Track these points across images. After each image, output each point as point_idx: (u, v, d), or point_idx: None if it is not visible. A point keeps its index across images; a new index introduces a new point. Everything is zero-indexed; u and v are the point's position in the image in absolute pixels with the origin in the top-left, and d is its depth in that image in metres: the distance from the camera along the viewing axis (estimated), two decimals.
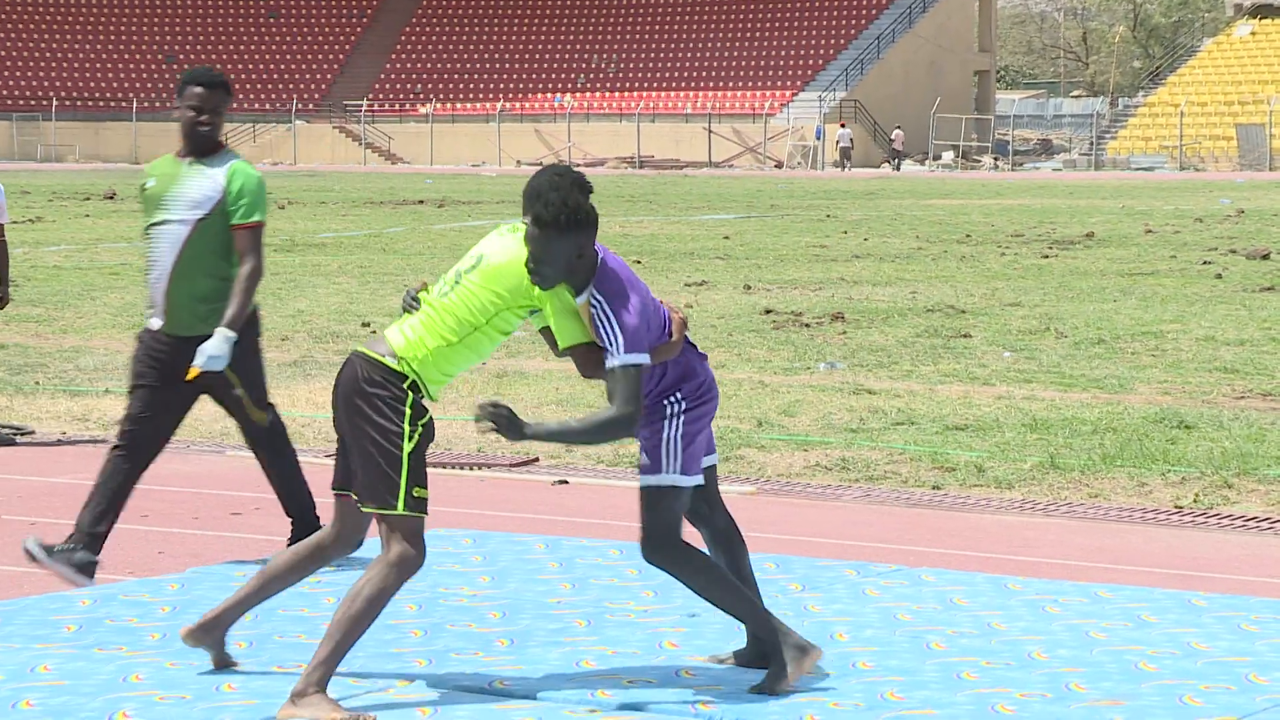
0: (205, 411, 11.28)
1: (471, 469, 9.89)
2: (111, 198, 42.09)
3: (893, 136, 69.91)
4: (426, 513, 5.40)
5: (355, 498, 5.45)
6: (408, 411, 5.35)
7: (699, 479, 5.68)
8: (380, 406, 5.34)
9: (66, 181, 52.38)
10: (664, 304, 5.74)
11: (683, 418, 5.66)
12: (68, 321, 16.99)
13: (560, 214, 5.50)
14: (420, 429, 5.36)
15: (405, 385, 5.38)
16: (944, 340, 15.48)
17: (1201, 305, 18.44)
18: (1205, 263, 23.85)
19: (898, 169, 67.68)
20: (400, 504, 5.33)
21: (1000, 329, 16.34)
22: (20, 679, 5.71)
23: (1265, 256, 24.52)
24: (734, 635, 6.31)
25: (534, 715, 5.38)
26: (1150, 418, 11.29)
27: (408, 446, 5.33)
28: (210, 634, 5.72)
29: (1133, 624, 6.51)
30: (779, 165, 69.86)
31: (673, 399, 5.68)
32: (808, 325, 16.60)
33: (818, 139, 70.20)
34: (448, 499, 9.05)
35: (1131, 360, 14.27)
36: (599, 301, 5.47)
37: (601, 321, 5.46)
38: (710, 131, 71.84)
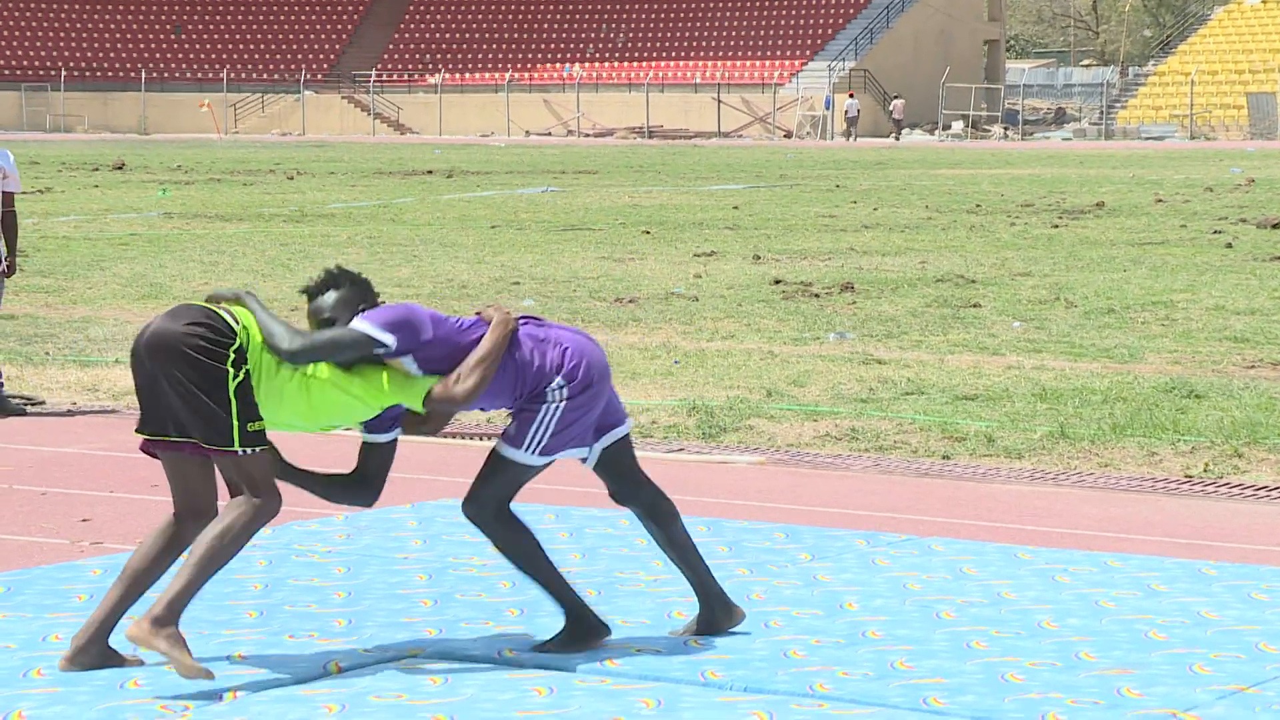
0: None
1: (481, 439, 9.89)
2: (120, 168, 42.09)
3: (892, 106, 69.73)
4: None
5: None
6: (231, 354, 5.29)
7: (552, 459, 5.68)
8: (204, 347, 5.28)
9: (75, 152, 52.38)
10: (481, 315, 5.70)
11: (564, 405, 5.65)
12: (77, 292, 17.00)
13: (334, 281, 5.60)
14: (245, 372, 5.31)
15: (235, 331, 5.33)
16: (954, 310, 15.46)
17: (1212, 274, 18.40)
18: (1216, 232, 23.80)
19: (898, 139, 67.50)
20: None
21: (1010, 299, 16.32)
22: (32, 648, 5.73)
23: (1276, 225, 24.46)
24: (741, 603, 6.32)
25: (545, 684, 5.39)
26: (1160, 387, 11.28)
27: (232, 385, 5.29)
28: (88, 653, 5.43)
29: (1142, 593, 6.51)
30: (788, 135, 69.74)
31: (555, 385, 5.65)
32: (817, 295, 16.58)
33: (827, 109, 70.06)
34: (458, 470, 9.06)
35: (1141, 330, 14.25)
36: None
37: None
38: (719, 101, 71.71)
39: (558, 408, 5.64)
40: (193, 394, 5.27)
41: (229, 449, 5.29)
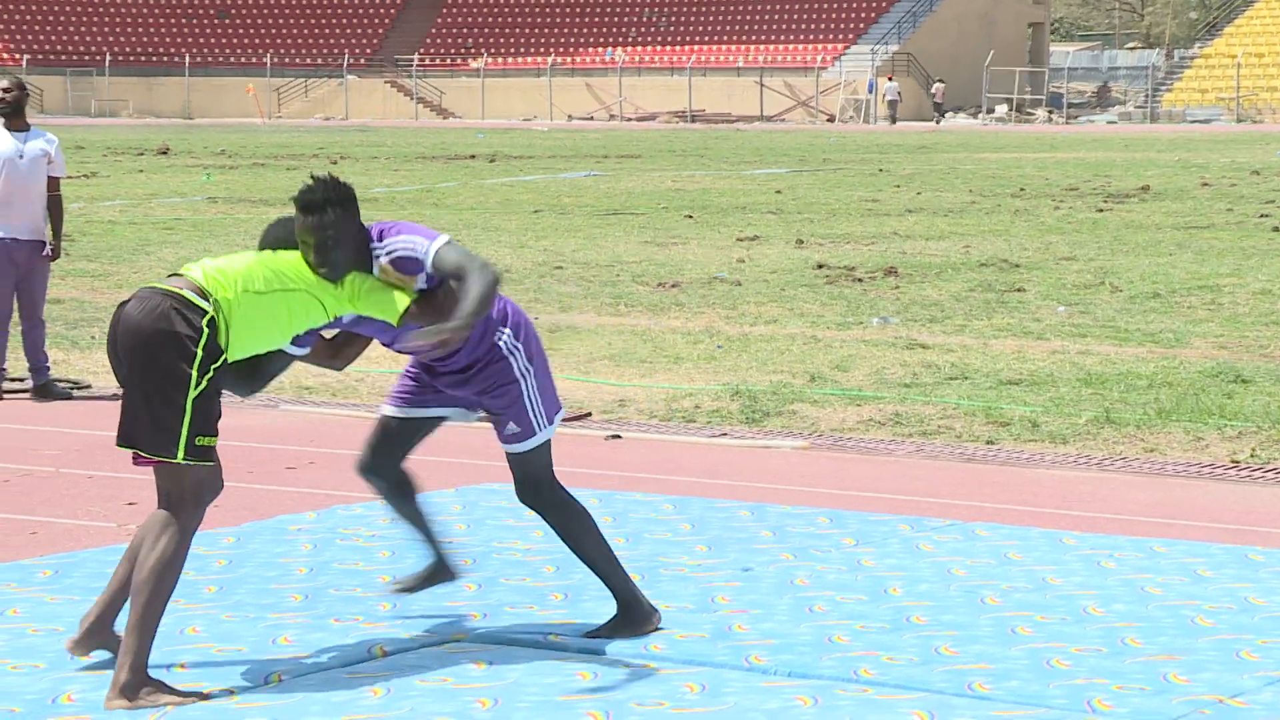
0: None
1: None
2: (165, 153, 42.24)
3: (933, 90, 69.47)
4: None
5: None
6: (199, 354, 5.07)
7: (562, 413, 5.71)
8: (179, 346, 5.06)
9: (120, 137, 52.60)
10: None
11: (532, 370, 5.60)
12: (123, 276, 17.07)
13: (330, 191, 5.29)
14: (211, 374, 5.09)
15: (204, 321, 5.09)
16: (998, 295, 15.41)
17: (1258, 258, 18.29)
18: (1262, 215, 23.65)
19: (938, 123, 67.26)
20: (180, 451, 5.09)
21: (1055, 283, 16.25)
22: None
23: None
24: (786, 589, 6.31)
25: (588, 669, 5.40)
26: (1206, 372, 11.21)
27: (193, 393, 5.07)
28: (98, 637, 5.37)
29: (1189, 579, 6.48)
30: (831, 119, 69.57)
31: (513, 350, 5.54)
32: (860, 280, 16.55)
33: (870, 92, 69.86)
34: (500, 454, 9.06)
35: (1187, 314, 14.17)
36: (397, 241, 5.36)
37: (408, 247, 5.35)
38: (762, 85, 71.57)
39: (530, 378, 5.60)
40: (148, 396, 5.09)
41: (169, 459, 5.10)
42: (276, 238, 5.38)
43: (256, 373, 5.39)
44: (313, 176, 5.30)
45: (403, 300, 5.32)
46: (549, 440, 5.66)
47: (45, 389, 10.75)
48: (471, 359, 5.55)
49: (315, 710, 5.02)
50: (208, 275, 5.18)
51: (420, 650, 5.60)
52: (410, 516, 5.80)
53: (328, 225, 5.23)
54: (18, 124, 10.68)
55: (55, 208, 10.84)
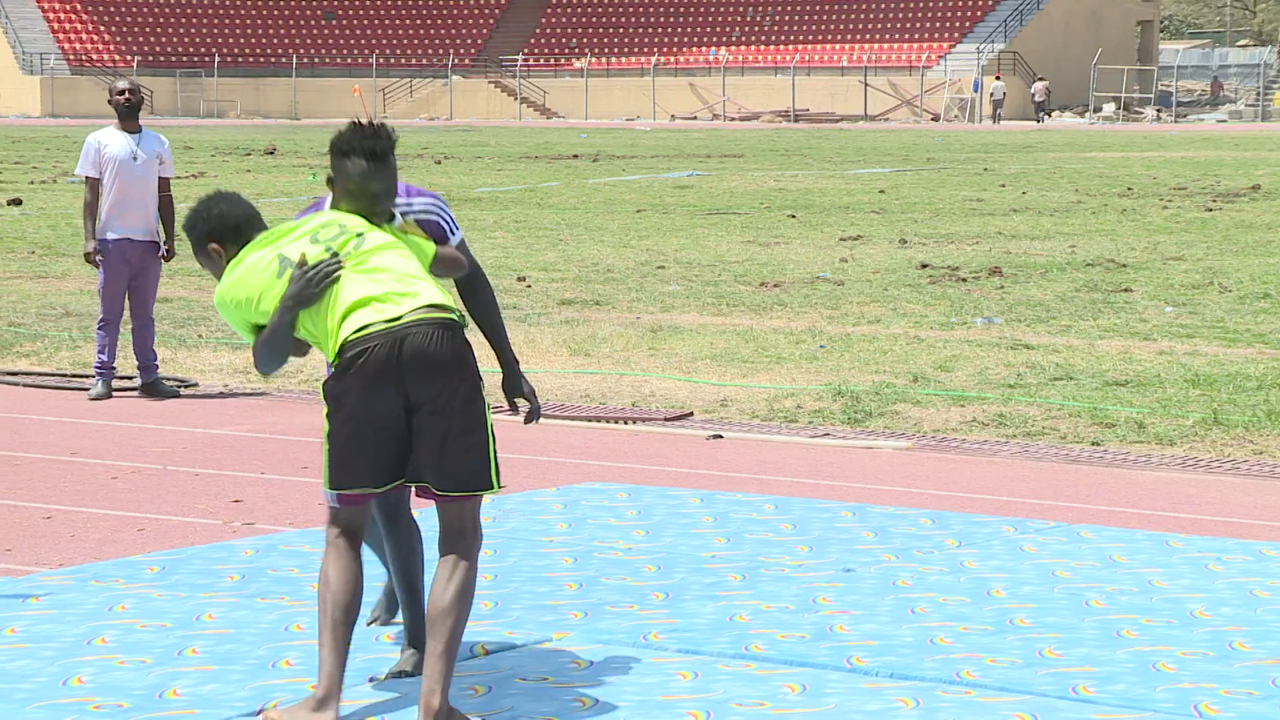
0: None
1: (626, 423, 9.92)
2: (272, 153, 42.64)
3: (1033, 89, 68.92)
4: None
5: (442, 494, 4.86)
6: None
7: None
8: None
9: (228, 137, 53.17)
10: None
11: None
12: None
13: (390, 137, 5.10)
14: None
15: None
16: (1104, 295, 15.26)
17: None
18: None
19: (1039, 121, 66.71)
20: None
21: (1162, 283, 16.08)
22: (187, 627, 5.82)
23: None
24: (887, 590, 6.28)
25: (689, 669, 5.39)
26: None
27: None
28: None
29: None
30: (935, 118, 69.19)
31: None
32: (964, 280, 16.44)
33: (975, 91, 69.40)
34: (603, 453, 9.09)
35: None
36: (426, 202, 5.38)
37: (436, 211, 5.39)
38: (866, 85, 71.29)
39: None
40: (468, 431, 4.86)
41: (491, 490, 4.93)
42: (243, 217, 5.20)
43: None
44: (355, 124, 5.14)
45: (429, 248, 5.25)
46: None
47: (153, 387, 10.88)
48: None
49: (417, 708, 5.04)
50: (440, 288, 4.97)
51: (521, 649, 5.61)
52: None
53: (394, 170, 5.16)
54: (131, 126, 10.82)
55: (167, 208, 10.97)
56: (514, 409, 5.65)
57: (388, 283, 4.88)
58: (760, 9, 77.95)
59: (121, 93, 10.75)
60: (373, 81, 77.77)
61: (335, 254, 4.93)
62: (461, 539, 4.91)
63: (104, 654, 5.54)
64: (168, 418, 10.21)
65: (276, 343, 4.96)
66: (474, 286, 5.51)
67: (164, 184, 10.96)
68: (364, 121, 5.12)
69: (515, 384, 5.58)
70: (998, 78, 68.62)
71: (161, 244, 10.94)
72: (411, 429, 4.83)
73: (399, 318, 4.80)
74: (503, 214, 24.70)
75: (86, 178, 10.78)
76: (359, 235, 4.99)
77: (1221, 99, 73.89)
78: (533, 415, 5.60)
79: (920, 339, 12.75)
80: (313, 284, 4.89)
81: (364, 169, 5.07)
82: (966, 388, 10.74)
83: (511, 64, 77.91)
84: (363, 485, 4.87)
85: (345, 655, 4.86)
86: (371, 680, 5.30)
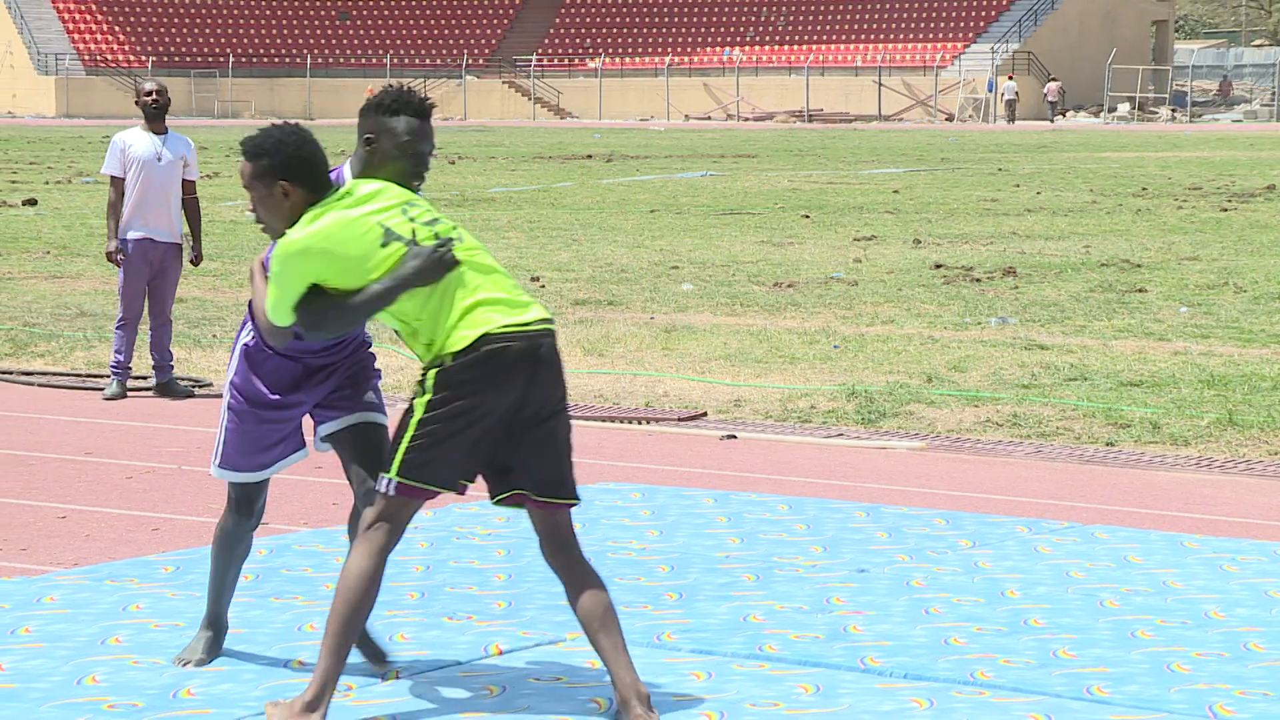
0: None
1: (639, 423, 9.91)
2: None
3: (1046, 89, 68.85)
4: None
5: (548, 501, 4.89)
6: None
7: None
8: None
9: (242, 137, 53.14)
10: None
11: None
12: (243, 275, 17.27)
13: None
14: None
15: None
16: (1118, 295, 15.24)
17: None
18: None
19: (1051, 121, 66.66)
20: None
21: (1177, 284, 16.06)
22: (200, 626, 5.82)
23: None
24: (901, 590, 6.28)
25: (702, 669, 5.39)
26: None
27: None
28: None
29: None
30: (949, 118, 69.12)
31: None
32: (978, 280, 16.42)
33: (989, 91, 69.34)
34: (616, 454, 9.09)
35: None
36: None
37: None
38: (880, 85, 71.24)
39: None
40: (569, 443, 4.95)
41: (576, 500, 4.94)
42: (322, 163, 4.93)
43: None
44: (391, 86, 5.08)
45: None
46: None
47: (168, 387, 10.90)
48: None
49: (431, 708, 5.04)
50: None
51: (535, 649, 5.61)
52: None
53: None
54: (158, 127, 10.83)
55: (193, 210, 10.99)
56: None
57: (505, 285, 4.83)
58: (774, 9, 77.91)
59: (149, 94, 10.76)
60: (387, 81, 77.75)
61: (445, 241, 4.77)
62: (576, 541, 4.94)
63: (118, 653, 5.54)
64: (182, 417, 10.23)
65: (358, 315, 4.72)
66: None
67: (189, 186, 10.98)
68: (393, 87, 5.06)
69: None
70: (1010, 78, 68.55)
71: (188, 246, 10.97)
72: (513, 436, 4.77)
73: (530, 323, 4.78)
74: (516, 214, 24.71)
75: (111, 177, 10.80)
76: (453, 225, 4.87)
77: (1232, 99, 73.73)
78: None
79: (934, 339, 12.74)
80: (441, 269, 4.70)
81: (415, 126, 5.00)
82: (981, 388, 10.73)
83: (525, 64, 77.94)
84: (438, 483, 4.75)
85: (347, 656, 4.83)
86: (388, 675, 5.30)
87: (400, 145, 4.97)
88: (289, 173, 4.85)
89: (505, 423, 4.76)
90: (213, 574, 5.42)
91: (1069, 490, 8.28)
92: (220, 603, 5.46)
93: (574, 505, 4.93)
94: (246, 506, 5.35)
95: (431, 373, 4.72)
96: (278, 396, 5.18)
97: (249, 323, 5.20)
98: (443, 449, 4.70)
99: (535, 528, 4.91)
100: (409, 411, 4.76)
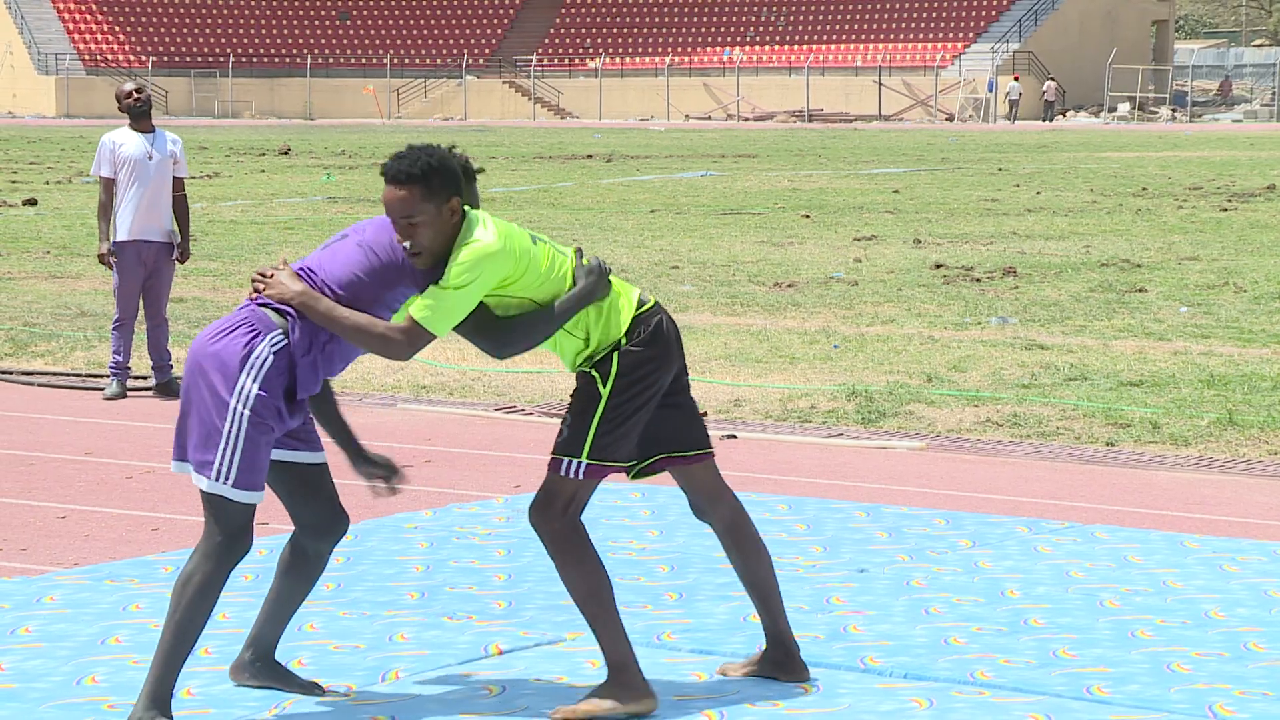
0: (376, 365, 11.42)
1: None
2: (286, 153, 42.68)
3: (1044, 88, 68.88)
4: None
5: (698, 454, 5.14)
6: None
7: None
8: None
9: (242, 137, 53.23)
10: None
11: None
12: (243, 275, 17.27)
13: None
14: None
15: None
16: (1118, 295, 15.24)
17: None
18: None
19: (1046, 120, 66.69)
20: None
21: (1177, 283, 16.06)
22: None
23: None
24: (901, 590, 6.28)
25: (702, 669, 5.39)
26: None
27: None
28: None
29: None
30: (950, 118, 69.13)
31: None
32: (978, 280, 16.42)
33: (990, 91, 69.36)
34: None
35: None
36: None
37: None
38: (880, 85, 71.24)
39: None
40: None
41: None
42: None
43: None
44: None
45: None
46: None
47: (167, 387, 10.90)
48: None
49: (431, 707, 5.05)
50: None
51: (535, 648, 5.61)
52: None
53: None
54: (144, 126, 10.83)
55: (182, 208, 10.98)
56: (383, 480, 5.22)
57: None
58: (774, 9, 77.91)
59: (129, 94, 10.76)
60: (387, 82, 77.82)
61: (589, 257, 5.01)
62: (728, 489, 5.22)
63: (118, 653, 5.54)
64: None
65: (547, 329, 4.91)
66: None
67: (178, 184, 10.96)
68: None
69: (360, 455, 5.23)
70: (1015, 78, 68.60)
71: (175, 246, 10.94)
72: (665, 404, 5.05)
73: (647, 301, 5.07)
74: (517, 214, 24.71)
75: (101, 178, 10.79)
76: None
77: (1232, 99, 73.71)
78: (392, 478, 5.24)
79: (934, 339, 12.74)
80: (607, 282, 4.98)
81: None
82: (981, 388, 10.73)
83: (526, 64, 77.95)
84: (626, 459, 4.99)
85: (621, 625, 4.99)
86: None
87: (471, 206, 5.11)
88: (458, 187, 4.91)
89: (664, 393, 5.04)
90: (186, 626, 4.87)
91: (1069, 490, 8.28)
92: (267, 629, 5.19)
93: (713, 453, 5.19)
94: (250, 534, 4.96)
95: (615, 355, 4.94)
96: (288, 417, 4.96)
97: (265, 332, 4.88)
98: (629, 426, 4.95)
99: (687, 487, 5.17)
100: (592, 396, 4.93)
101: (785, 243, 20.24)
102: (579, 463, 4.92)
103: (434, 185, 4.85)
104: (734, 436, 9.57)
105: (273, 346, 4.85)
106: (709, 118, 72.46)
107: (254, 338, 4.86)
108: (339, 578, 6.44)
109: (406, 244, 4.86)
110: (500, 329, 4.90)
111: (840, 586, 6.32)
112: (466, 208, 4.96)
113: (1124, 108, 69.65)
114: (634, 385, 4.95)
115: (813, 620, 5.89)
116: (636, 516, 7.45)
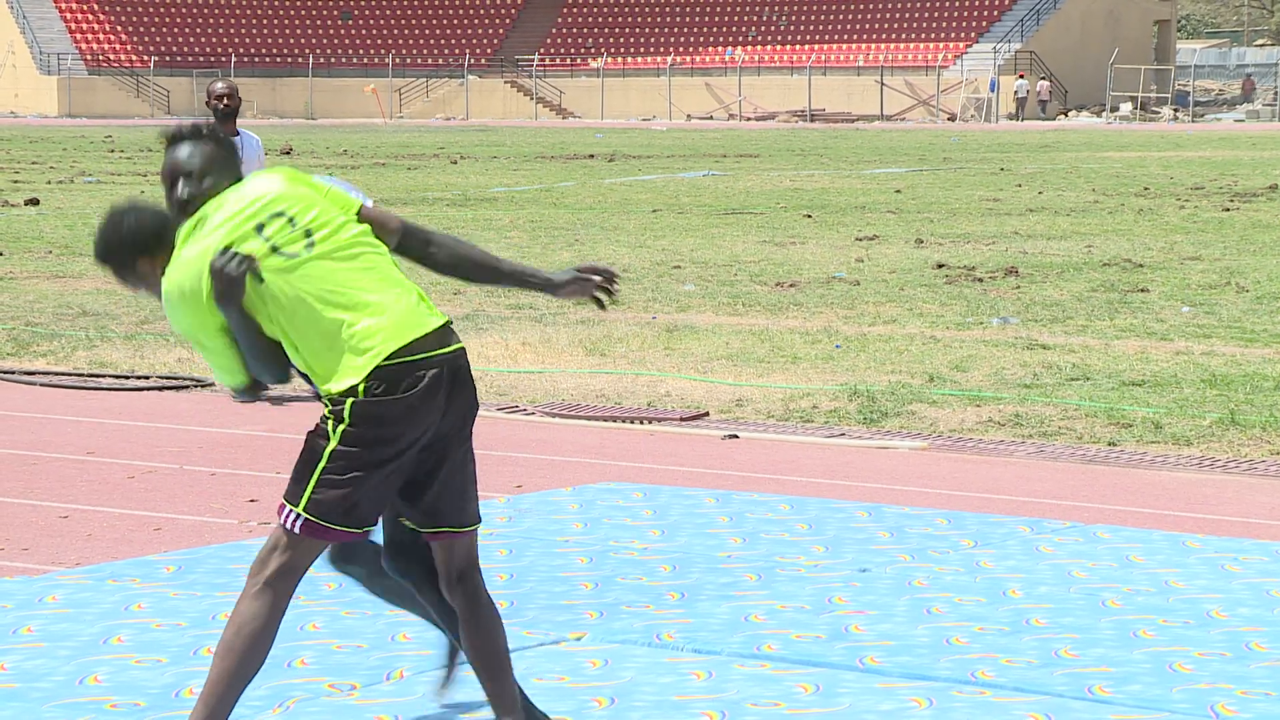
0: None
1: (641, 423, 9.92)
2: (288, 153, 42.69)
3: (1037, 87, 68.90)
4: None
5: (459, 529, 4.40)
6: None
7: None
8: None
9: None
10: None
11: None
12: None
13: None
14: None
15: None
16: (1120, 295, 15.24)
17: None
18: None
19: (1025, 119, 66.74)
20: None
21: (1179, 283, 16.05)
22: (202, 626, 5.83)
23: None
24: (903, 590, 6.28)
25: (704, 669, 5.39)
26: None
27: None
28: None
29: None
30: (952, 118, 69.12)
31: None
32: (980, 280, 16.42)
33: (992, 91, 69.36)
34: (618, 453, 9.09)
35: None
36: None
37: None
38: (882, 85, 71.22)
39: None
40: (473, 464, 4.41)
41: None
42: (159, 218, 4.44)
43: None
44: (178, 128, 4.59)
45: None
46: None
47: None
48: None
49: (434, 707, 5.05)
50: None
51: (538, 648, 5.61)
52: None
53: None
54: (229, 129, 10.74)
55: None
56: (595, 298, 4.57)
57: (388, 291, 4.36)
58: (776, 9, 77.90)
59: (220, 97, 10.64)
60: (389, 81, 77.82)
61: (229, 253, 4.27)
62: (478, 570, 4.48)
63: (120, 653, 5.55)
64: (184, 417, 10.22)
65: (246, 353, 4.34)
66: (425, 237, 4.48)
67: None
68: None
69: (557, 279, 4.54)
70: (1021, 76, 68.64)
71: None
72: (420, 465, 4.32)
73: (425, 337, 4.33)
74: (518, 214, 24.71)
75: None
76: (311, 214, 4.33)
77: (1235, 98, 73.67)
78: (608, 283, 4.56)
79: (936, 339, 12.74)
80: (225, 282, 4.25)
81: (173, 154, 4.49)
82: (982, 388, 10.72)
83: (528, 64, 77.94)
84: (356, 527, 4.30)
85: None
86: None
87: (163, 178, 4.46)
88: (142, 249, 4.39)
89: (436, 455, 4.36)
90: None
91: (1071, 490, 8.27)
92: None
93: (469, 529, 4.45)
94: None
95: (348, 402, 4.25)
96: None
97: None
98: (358, 486, 4.26)
99: (446, 560, 4.43)
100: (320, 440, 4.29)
101: (787, 242, 20.23)
102: (297, 514, 4.27)
103: (119, 263, 4.39)
104: (736, 436, 9.57)
105: None
106: (711, 117, 72.45)
107: None
108: (340, 578, 6.44)
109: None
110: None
111: (842, 586, 6.32)
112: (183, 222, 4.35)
113: (1126, 107, 69.64)
114: (369, 441, 4.21)
115: (814, 620, 5.89)
116: (639, 516, 7.45)
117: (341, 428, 4.22)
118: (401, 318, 4.26)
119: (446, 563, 4.43)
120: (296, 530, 4.28)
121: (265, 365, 4.35)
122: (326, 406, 4.27)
